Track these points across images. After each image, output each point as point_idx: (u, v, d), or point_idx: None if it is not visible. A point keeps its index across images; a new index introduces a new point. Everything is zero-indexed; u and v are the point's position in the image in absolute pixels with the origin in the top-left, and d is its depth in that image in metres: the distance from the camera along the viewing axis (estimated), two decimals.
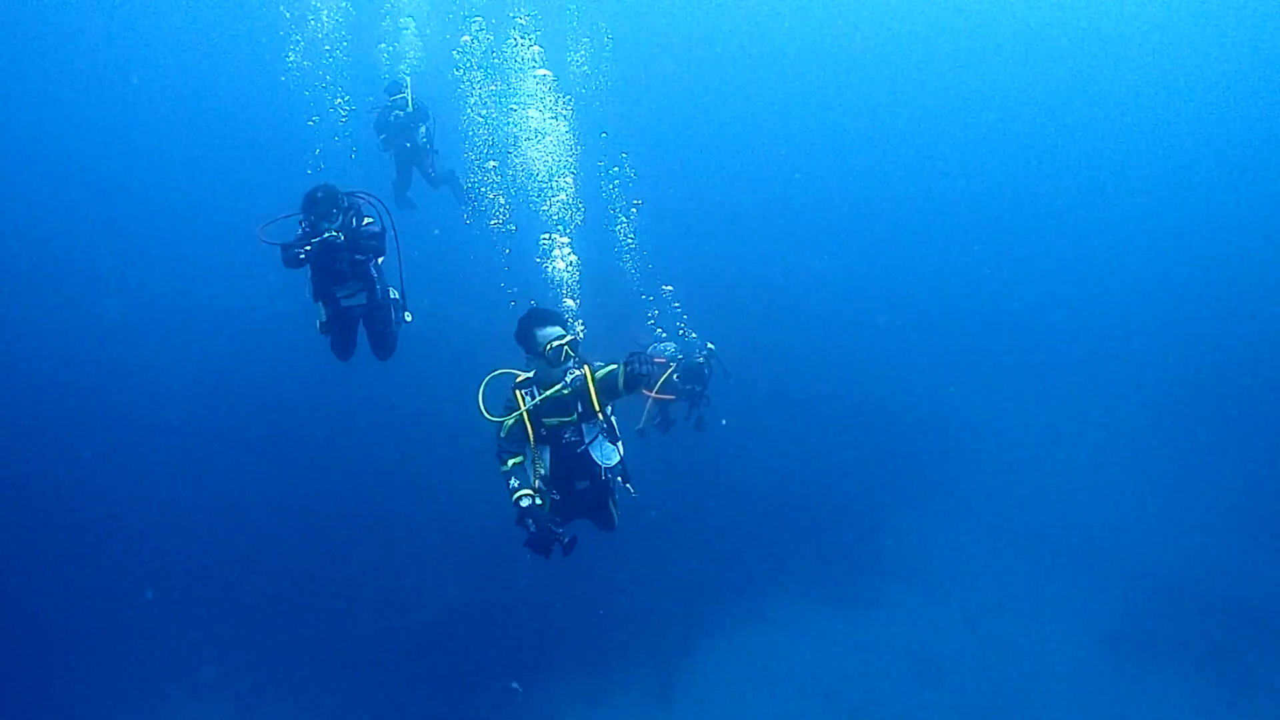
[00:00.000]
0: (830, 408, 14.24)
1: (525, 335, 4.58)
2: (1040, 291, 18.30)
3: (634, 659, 10.55)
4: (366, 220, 6.18)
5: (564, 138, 8.26)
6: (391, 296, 6.65)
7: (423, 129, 9.61)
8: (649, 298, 8.75)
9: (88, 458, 13.08)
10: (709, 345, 7.79)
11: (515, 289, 7.91)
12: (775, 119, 23.76)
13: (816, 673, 10.29)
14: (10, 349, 15.07)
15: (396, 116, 9.39)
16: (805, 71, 24.59)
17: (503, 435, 4.61)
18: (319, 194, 5.89)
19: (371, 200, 6.21)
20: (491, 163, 8.47)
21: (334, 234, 5.86)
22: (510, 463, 4.59)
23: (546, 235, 7.67)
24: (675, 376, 7.53)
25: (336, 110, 10.94)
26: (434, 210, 11.78)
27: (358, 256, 6.13)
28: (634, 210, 9.36)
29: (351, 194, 6.13)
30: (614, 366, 4.55)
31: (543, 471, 4.66)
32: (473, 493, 10.73)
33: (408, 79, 9.52)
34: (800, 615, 11.26)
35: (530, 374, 4.67)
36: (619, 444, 4.87)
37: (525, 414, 4.55)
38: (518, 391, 4.63)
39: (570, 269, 7.30)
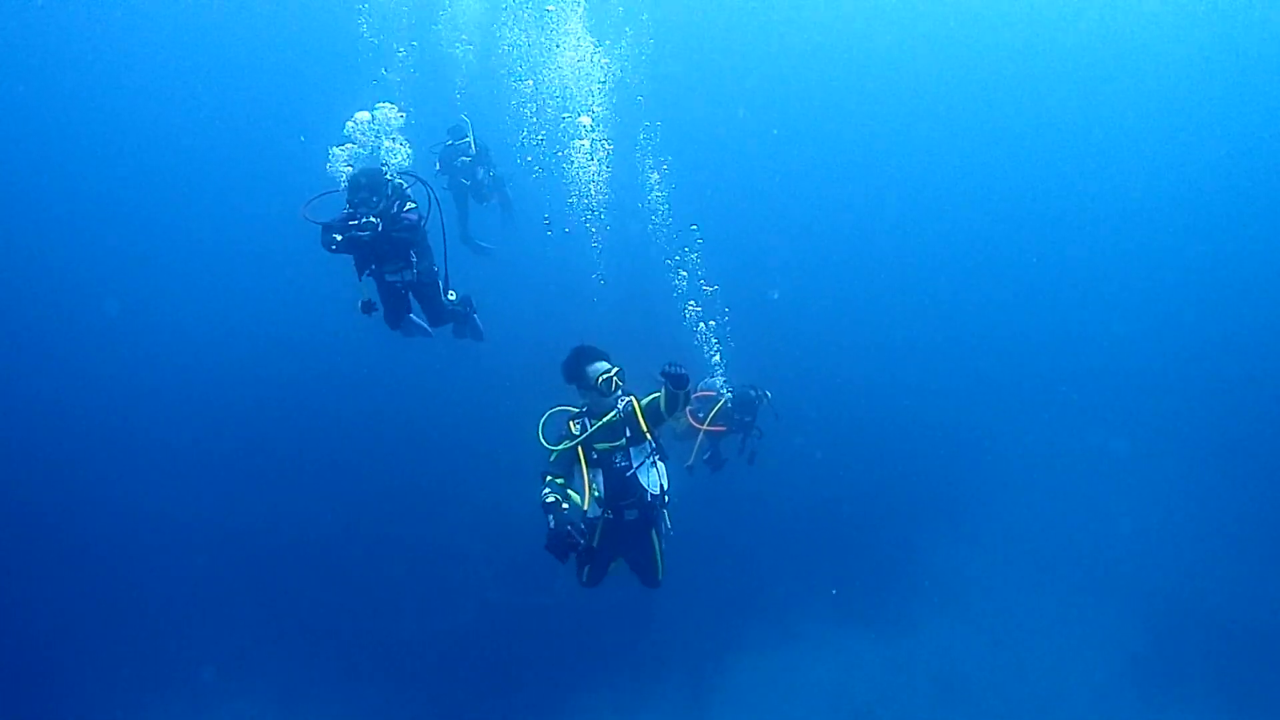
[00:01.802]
0: (867, 437, 14.35)
1: (576, 374, 5.08)
2: (1071, 324, 18.25)
3: (667, 671, 10.85)
4: (409, 205, 6.33)
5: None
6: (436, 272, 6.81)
7: (481, 170, 10.03)
8: (674, 260, 8.65)
9: (91, 456, 13.25)
10: (766, 393, 7.78)
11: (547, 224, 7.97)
12: (811, 120, 23.38)
13: (846, 691, 10.51)
14: (37, 341, 15.25)
15: (462, 162, 9.83)
16: (848, 70, 24.13)
17: (552, 459, 5.10)
18: (362, 179, 6.08)
19: (421, 182, 6.41)
20: (529, 81, 8.65)
21: (370, 220, 6.00)
22: (548, 479, 5.06)
23: (567, 114, 7.75)
24: (729, 405, 7.61)
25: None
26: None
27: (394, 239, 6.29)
28: (664, 168, 9.33)
29: (399, 175, 6.33)
30: (658, 394, 5.00)
31: (597, 494, 5.12)
32: (513, 498, 11.15)
33: (469, 121, 9.90)
34: (832, 635, 11.45)
35: (583, 408, 5.17)
36: (664, 468, 5.25)
37: (578, 442, 5.04)
38: (571, 423, 5.13)
39: (593, 162, 7.45)
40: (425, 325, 7.33)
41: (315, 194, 6.22)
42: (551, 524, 4.83)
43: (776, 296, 7.98)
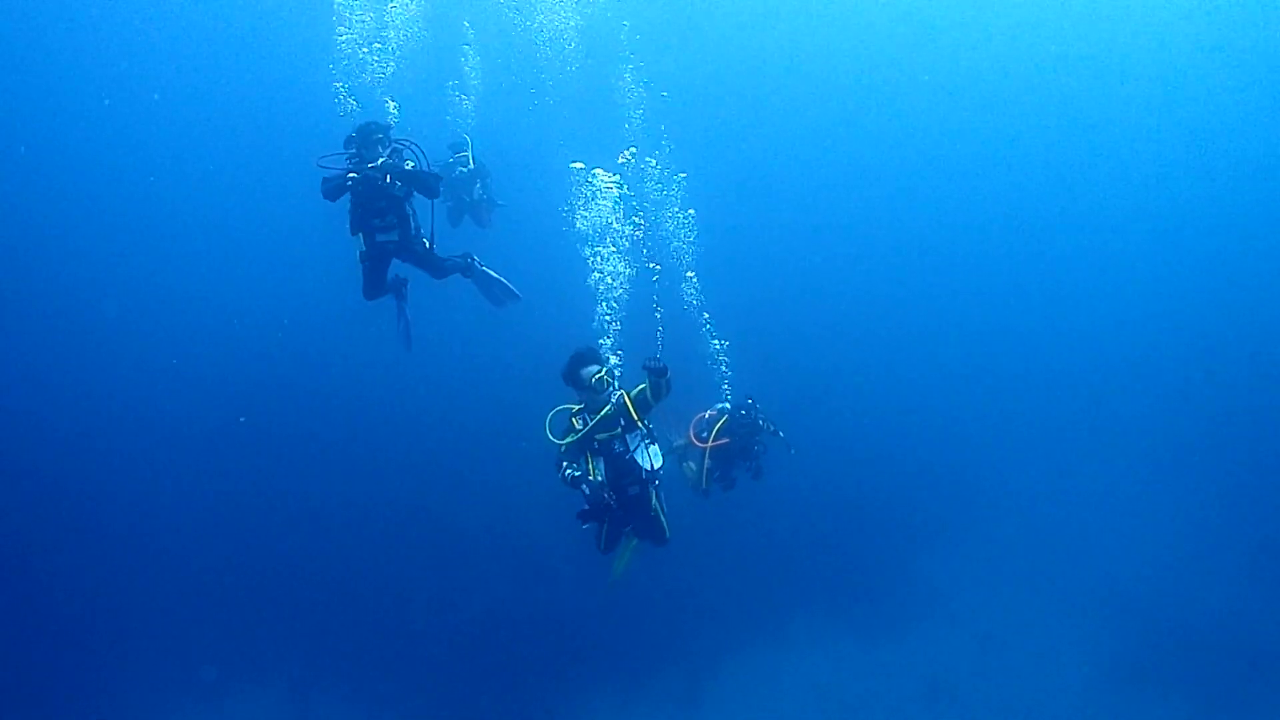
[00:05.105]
0: (858, 448, 14.61)
1: (572, 376, 5.82)
2: (1054, 342, 18.54)
3: (663, 670, 11.26)
4: (408, 164, 6.74)
5: None
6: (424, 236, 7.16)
7: (478, 185, 10.15)
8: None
9: (93, 456, 13.41)
10: (760, 414, 7.65)
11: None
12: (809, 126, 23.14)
13: (834, 690, 10.94)
14: (43, 338, 15.33)
15: (460, 173, 9.95)
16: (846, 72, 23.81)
17: (562, 451, 5.82)
18: (368, 127, 6.57)
19: (414, 148, 6.80)
20: None
21: (382, 162, 6.44)
22: (565, 465, 5.79)
23: None
24: (731, 421, 7.50)
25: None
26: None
27: (401, 188, 6.68)
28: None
29: (398, 139, 6.74)
30: (644, 386, 5.78)
31: (600, 479, 5.81)
32: (516, 499, 11.64)
33: (468, 138, 10.12)
34: (822, 638, 11.85)
35: (582, 405, 5.89)
36: (657, 449, 6.01)
37: (581, 436, 5.78)
38: (574, 419, 5.86)
39: None
40: (409, 332, 7.86)
41: (328, 152, 6.66)
42: (587, 491, 5.64)
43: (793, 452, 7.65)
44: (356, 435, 14.24)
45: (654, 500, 6.09)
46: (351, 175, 6.53)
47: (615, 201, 6.47)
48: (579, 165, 6.21)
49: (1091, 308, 19.28)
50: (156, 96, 19.16)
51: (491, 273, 8.01)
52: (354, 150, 6.61)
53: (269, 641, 11.52)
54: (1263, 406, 14.57)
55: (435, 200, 7.13)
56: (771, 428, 7.64)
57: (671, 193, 8.05)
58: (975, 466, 15.22)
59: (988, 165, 23.05)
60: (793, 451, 7.68)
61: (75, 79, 19.04)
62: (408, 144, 6.85)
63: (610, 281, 6.76)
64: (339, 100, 7.24)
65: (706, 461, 7.53)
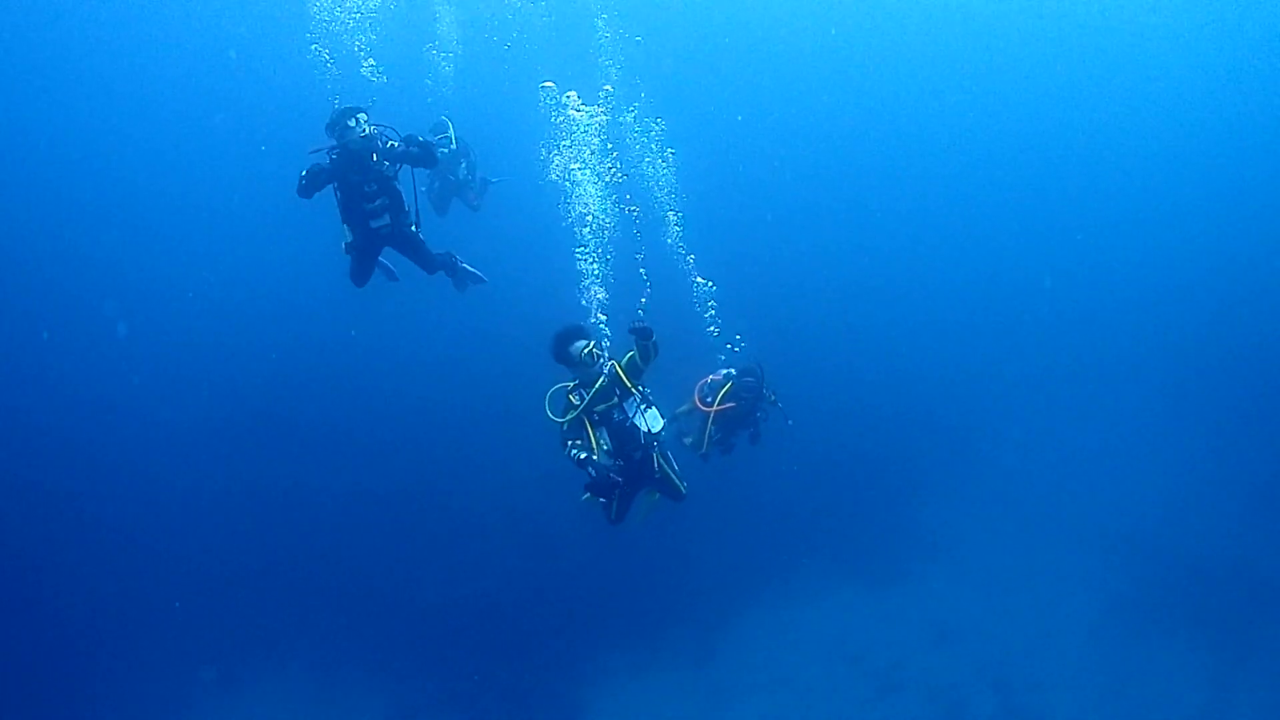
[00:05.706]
0: (862, 402, 14.79)
1: (561, 354, 5.84)
2: (1055, 291, 18.41)
3: (676, 629, 11.47)
4: (390, 143, 6.66)
5: None
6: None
7: (463, 164, 10.10)
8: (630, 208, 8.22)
9: (93, 453, 13.48)
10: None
11: None
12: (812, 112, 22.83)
13: (844, 639, 11.13)
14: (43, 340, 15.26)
15: (443, 155, 9.62)
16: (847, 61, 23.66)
17: (565, 429, 5.88)
18: (344, 110, 6.39)
19: (393, 131, 6.71)
20: None
21: (370, 129, 6.33)
22: (570, 442, 5.85)
23: None
24: (735, 385, 7.57)
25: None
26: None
27: (390, 168, 6.62)
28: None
29: (377, 123, 6.61)
30: (632, 352, 5.87)
31: (605, 448, 5.92)
32: (529, 471, 11.65)
33: (448, 119, 9.98)
34: (830, 589, 12.03)
35: (575, 380, 5.93)
36: (655, 412, 6.11)
37: (580, 411, 5.84)
38: (570, 395, 5.91)
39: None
40: (391, 268, 7.91)
41: (315, 147, 6.60)
42: (593, 472, 5.69)
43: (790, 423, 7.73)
44: (353, 423, 14.26)
45: (656, 461, 6.22)
46: (305, 174, 6.42)
47: (596, 132, 6.34)
48: (549, 84, 6.07)
49: (1091, 246, 19.28)
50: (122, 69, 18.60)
51: (468, 267, 8.10)
52: (335, 143, 6.52)
53: (281, 627, 11.71)
54: (1266, 339, 14.56)
55: (423, 178, 7.05)
56: (772, 396, 7.79)
57: (651, 139, 8.01)
58: (976, 410, 15.31)
59: (977, 110, 22.94)
60: (790, 422, 7.87)
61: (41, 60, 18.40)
62: (386, 127, 6.78)
63: (595, 214, 6.65)
64: (320, 61, 7.12)
65: (710, 426, 7.62)
